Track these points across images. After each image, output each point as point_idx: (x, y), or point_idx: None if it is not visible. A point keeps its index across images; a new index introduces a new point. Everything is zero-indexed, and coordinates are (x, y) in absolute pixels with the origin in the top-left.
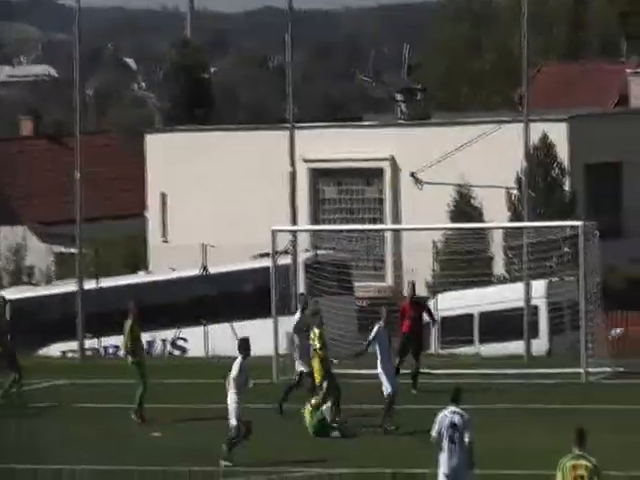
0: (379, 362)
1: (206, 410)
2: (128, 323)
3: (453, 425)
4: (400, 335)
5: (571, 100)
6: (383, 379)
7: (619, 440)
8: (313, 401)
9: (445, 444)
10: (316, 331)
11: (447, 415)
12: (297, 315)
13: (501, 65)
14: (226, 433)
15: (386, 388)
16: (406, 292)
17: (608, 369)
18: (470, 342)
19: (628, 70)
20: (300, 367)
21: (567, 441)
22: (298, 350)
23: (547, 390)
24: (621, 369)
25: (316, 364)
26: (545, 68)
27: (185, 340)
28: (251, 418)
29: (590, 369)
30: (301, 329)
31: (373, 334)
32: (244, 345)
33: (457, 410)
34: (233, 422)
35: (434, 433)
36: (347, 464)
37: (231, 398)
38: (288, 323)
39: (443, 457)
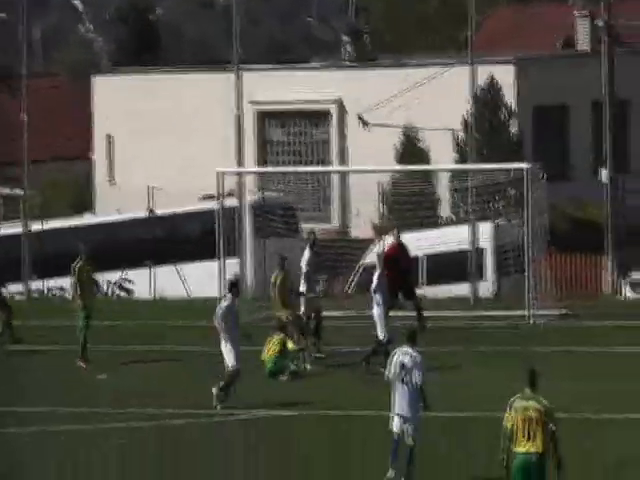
0: (376, 309)
1: (153, 352)
2: (77, 265)
3: (402, 366)
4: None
5: (519, 43)
6: (379, 325)
7: (563, 383)
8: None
9: (396, 385)
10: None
11: (399, 356)
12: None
13: (449, 7)
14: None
15: (381, 334)
16: (391, 237)
17: (555, 312)
18: (416, 284)
19: (575, 13)
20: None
21: (513, 382)
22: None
23: (494, 332)
24: (565, 311)
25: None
26: (491, 10)
27: (131, 282)
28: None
29: (536, 312)
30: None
31: (375, 283)
32: (234, 286)
33: (408, 351)
34: (231, 365)
35: (387, 373)
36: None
37: (223, 342)
38: (234, 265)
39: (395, 398)
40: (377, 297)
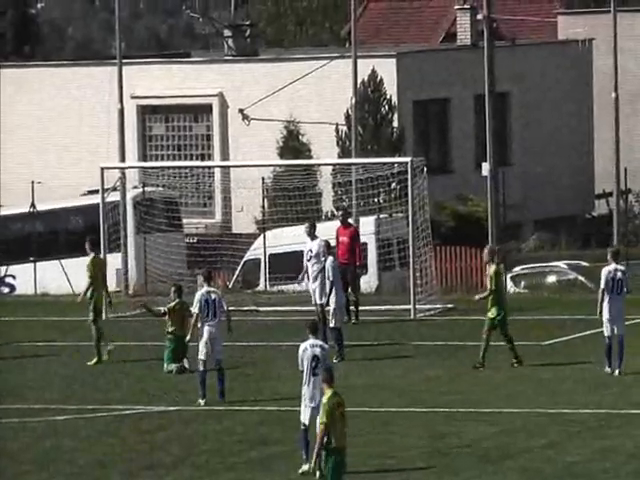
0: (334, 296)
1: (41, 347)
2: None
3: (315, 357)
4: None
5: (400, 37)
6: (332, 312)
7: (435, 373)
8: None
9: (308, 377)
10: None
11: (308, 348)
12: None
13: (328, 2)
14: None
15: (332, 320)
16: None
17: (438, 306)
18: (296, 278)
19: (455, 7)
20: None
21: (388, 377)
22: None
23: (375, 327)
24: (450, 305)
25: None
26: (372, 4)
27: (14, 277)
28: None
29: (424, 305)
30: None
31: (331, 272)
32: (209, 276)
33: (317, 343)
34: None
35: (300, 367)
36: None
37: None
38: (117, 260)
39: (306, 389)
40: (335, 285)
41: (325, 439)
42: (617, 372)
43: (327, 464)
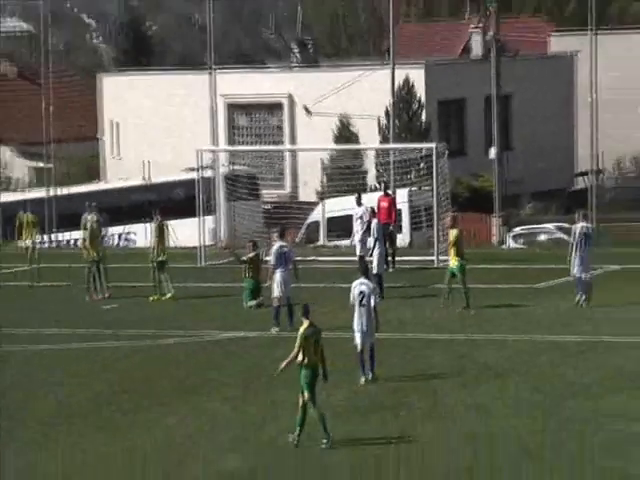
0: (377, 249)
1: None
2: (88, 220)
3: (361, 293)
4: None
5: (427, 51)
6: (375, 262)
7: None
8: None
9: (357, 307)
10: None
11: (357, 286)
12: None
13: (372, 23)
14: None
15: (376, 267)
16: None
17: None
18: (348, 236)
19: (470, 27)
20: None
21: (417, 312)
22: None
23: (409, 272)
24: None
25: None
26: (405, 25)
27: (134, 234)
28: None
29: (441, 257)
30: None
31: (375, 231)
32: (282, 234)
33: (364, 281)
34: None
35: (351, 300)
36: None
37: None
38: (211, 221)
39: (356, 317)
40: (378, 241)
41: (300, 358)
42: (582, 303)
43: (301, 376)
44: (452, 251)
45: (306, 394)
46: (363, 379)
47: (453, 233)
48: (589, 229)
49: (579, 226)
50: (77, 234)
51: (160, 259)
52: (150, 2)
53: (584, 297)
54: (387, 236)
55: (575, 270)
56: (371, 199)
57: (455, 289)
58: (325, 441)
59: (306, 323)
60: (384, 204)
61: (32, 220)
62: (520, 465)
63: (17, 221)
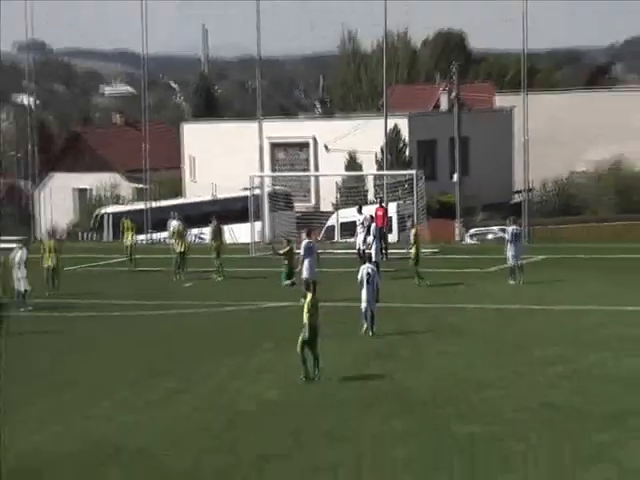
0: (375, 244)
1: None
2: (174, 225)
3: (368, 274)
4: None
5: (409, 106)
6: (373, 253)
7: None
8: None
9: (364, 284)
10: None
11: (364, 268)
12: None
13: (370, 87)
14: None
15: (374, 257)
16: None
17: (429, 250)
18: (352, 234)
19: (440, 90)
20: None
21: (404, 288)
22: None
23: (397, 261)
24: (436, 250)
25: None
26: (394, 87)
27: (204, 234)
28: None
29: (421, 250)
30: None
31: (373, 232)
32: (308, 233)
33: (370, 266)
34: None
35: (358, 278)
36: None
37: (305, 264)
38: (259, 225)
39: (363, 292)
40: (375, 239)
41: (305, 319)
42: (520, 282)
43: (304, 330)
44: (414, 246)
45: (306, 344)
46: (365, 326)
47: (413, 232)
48: (518, 230)
49: (511, 228)
50: (164, 234)
51: (216, 250)
52: (216, 72)
53: (518, 278)
54: (382, 235)
55: (510, 259)
56: (370, 209)
57: (426, 273)
58: (317, 374)
59: (309, 295)
60: (380, 213)
61: (130, 225)
62: (477, 389)
63: (121, 225)
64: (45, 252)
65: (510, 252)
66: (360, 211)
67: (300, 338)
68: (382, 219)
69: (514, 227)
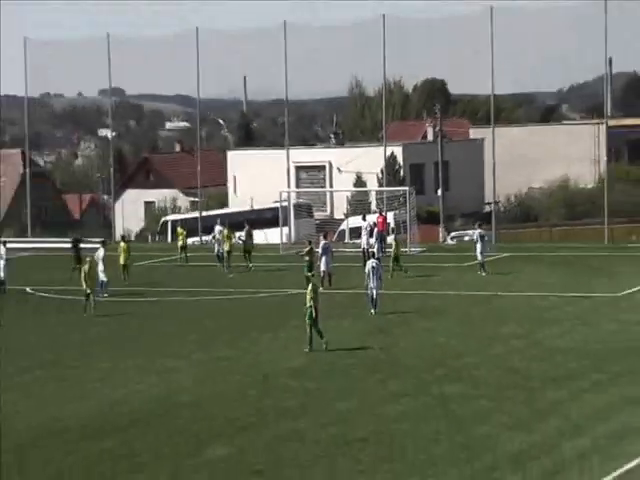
0: (377, 244)
1: (255, 267)
2: (224, 231)
3: (373, 267)
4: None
5: (403, 137)
6: (375, 251)
7: (423, 278)
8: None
9: (370, 275)
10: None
11: (370, 262)
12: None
13: (372, 122)
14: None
15: (376, 254)
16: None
17: (419, 249)
18: (359, 237)
19: (426, 124)
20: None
21: (399, 279)
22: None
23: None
24: (424, 248)
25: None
26: (391, 123)
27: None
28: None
29: (412, 249)
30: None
31: (376, 235)
32: (325, 235)
33: (375, 260)
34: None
35: (366, 270)
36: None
37: (324, 259)
38: (286, 229)
39: (370, 280)
40: (377, 240)
41: (308, 303)
42: (483, 274)
43: (307, 312)
44: (395, 248)
45: (309, 322)
46: (373, 311)
47: (393, 237)
48: (483, 232)
49: (477, 231)
50: (210, 237)
51: (248, 249)
52: (253, 111)
53: (484, 270)
54: (382, 237)
55: (478, 256)
56: (373, 217)
57: (415, 267)
58: (325, 345)
59: (310, 284)
60: (380, 220)
61: (181, 230)
62: (456, 357)
63: (175, 230)
64: (120, 251)
65: (478, 250)
66: (364, 218)
67: (307, 317)
68: (382, 225)
69: (479, 230)
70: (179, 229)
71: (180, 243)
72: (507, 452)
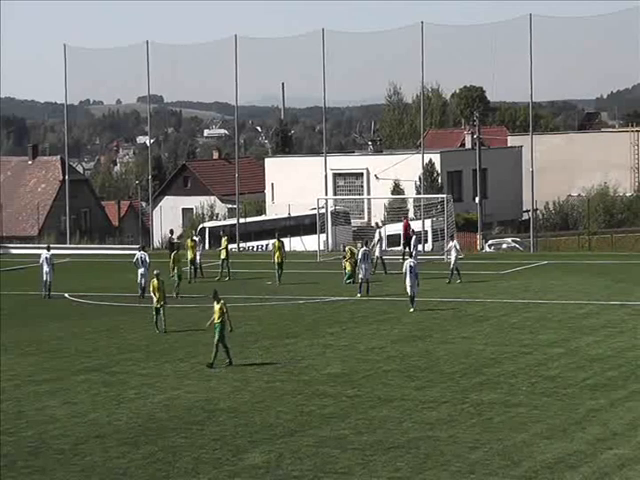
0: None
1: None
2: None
3: (411, 266)
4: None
5: (441, 144)
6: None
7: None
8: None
9: (408, 274)
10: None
11: (409, 262)
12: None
13: (411, 130)
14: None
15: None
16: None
17: (459, 256)
18: (398, 245)
19: (464, 131)
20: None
21: (433, 282)
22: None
23: (433, 266)
24: (461, 256)
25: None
26: (429, 131)
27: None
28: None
29: (448, 256)
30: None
31: (414, 240)
32: (365, 243)
33: (413, 260)
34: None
35: (404, 269)
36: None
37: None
38: (324, 236)
39: (407, 279)
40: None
41: (216, 320)
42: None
43: (216, 328)
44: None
45: (218, 338)
46: (412, 309)
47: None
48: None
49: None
50: (249, 243)
51: (277, 260)
52: (291, 118)
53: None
54: (407, 242)
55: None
56: (415, 225)
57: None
58: (227, 362)
59: (218, 305)
60: (405, 225)
61: (225, 243)
62: (492, 365)
63: (219, 240)
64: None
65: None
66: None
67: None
68: (405, 229)
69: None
70: (224, 240)
71: (222, 256)
72: (545, 460)
